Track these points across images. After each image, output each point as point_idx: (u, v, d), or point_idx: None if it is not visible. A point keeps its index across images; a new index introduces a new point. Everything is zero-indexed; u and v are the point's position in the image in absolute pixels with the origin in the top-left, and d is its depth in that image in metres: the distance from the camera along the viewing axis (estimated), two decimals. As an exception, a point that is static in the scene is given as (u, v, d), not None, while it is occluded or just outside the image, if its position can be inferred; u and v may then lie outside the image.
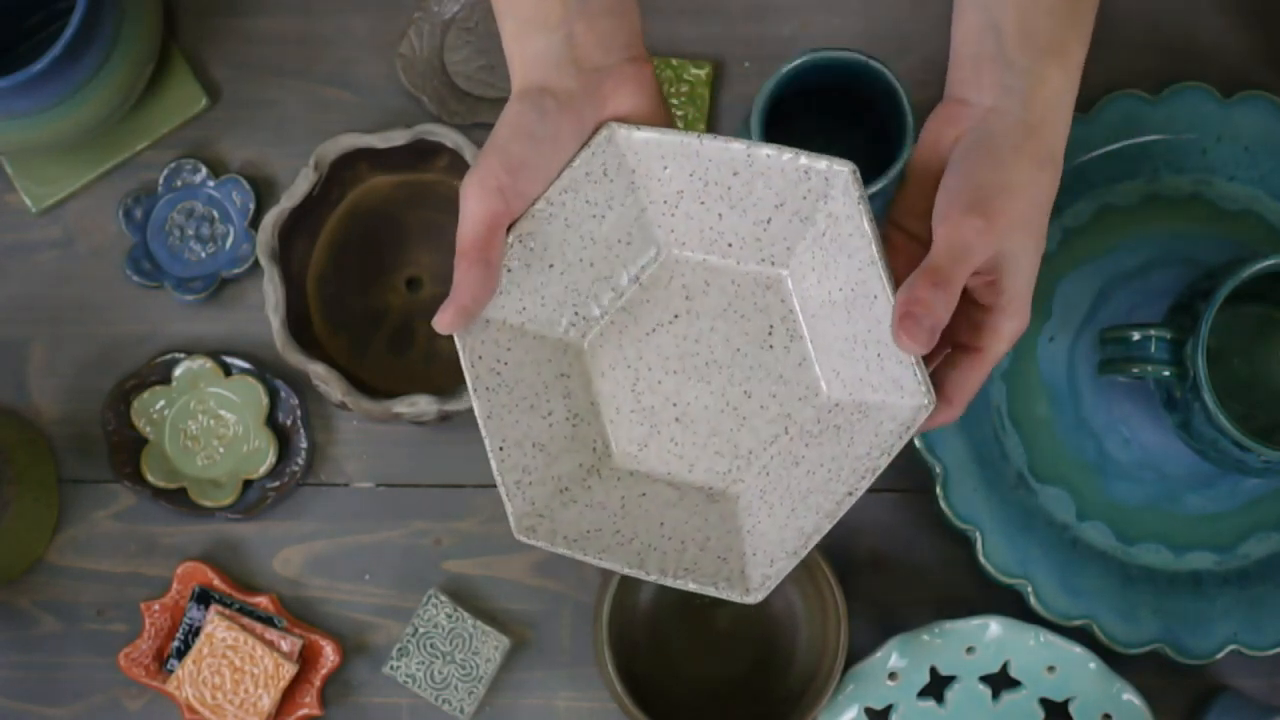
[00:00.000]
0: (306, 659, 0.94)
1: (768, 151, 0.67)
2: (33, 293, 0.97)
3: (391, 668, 0.93)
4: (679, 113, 0.97)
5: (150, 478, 0.95)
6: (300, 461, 0.95)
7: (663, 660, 0.94)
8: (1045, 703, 0.93)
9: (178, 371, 0.95)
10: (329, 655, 0.94)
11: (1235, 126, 0.94)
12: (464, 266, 0.67)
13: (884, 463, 0.66)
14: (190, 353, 0.95)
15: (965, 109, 0.70)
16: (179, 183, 0.97)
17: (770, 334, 0.71)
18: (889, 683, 0.91)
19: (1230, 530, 0.93)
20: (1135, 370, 0.85)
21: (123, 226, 0.96)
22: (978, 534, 0.91)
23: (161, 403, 0.95)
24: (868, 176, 0.84)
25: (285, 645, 0.93)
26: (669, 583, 0.68)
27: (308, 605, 0.96)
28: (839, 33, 0.99)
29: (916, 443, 0.91)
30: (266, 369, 0.96)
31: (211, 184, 0.97)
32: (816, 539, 0.66)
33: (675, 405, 0.72)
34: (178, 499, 0.95)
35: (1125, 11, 0.99)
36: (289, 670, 0.92)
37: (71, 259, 0.98)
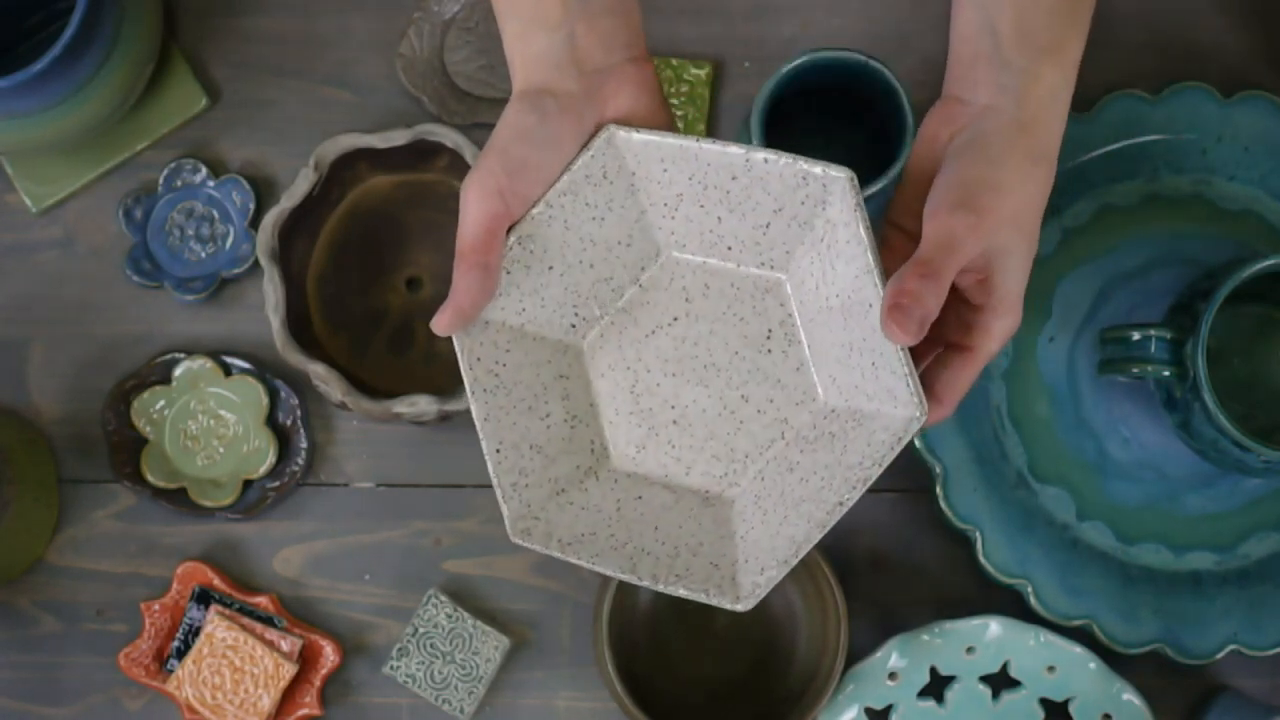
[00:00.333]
0: (306, 659, 0.94)
1: (766, 156, 0.67)
2: (33, 293, 0.97)
3: (391, 668, 0.93)
4: (679, 113, 0.97)
5: (150, 478, 0.95)
6: (300, 461, 0.95)
7: (663, 660, 0.94)
8: (1045, 703, 0.93)
9: (178, 371, 0.95)
10: (329, 655, 0.94)
11: (1235, 126, 0.94)
12: (463, 269, 0.67)
13: (875, 473, 0.66)
14: (190, 353, 0.95)
15: (961, 107, 0.70)
16: (179, 183, 0.97)
17: (769, 338, 0.71)
18: (889, 683, 0.91)
19: (1230, 530, 0.93)
20: (1135, 370, 0.85)
21: (123, 226, 0.96)
22: (978, 534, 0.91)
23: (161, 403, 0.95)
24: (867, 177, 0.84)
25: (285, 645, 0.93)
26: (660, 588, 0.68)
27: (308, 605, 0.96)
28: (839, 33, 0.99)
29: (916, 443, 0.91)
30: (266, 369, 0.96)
31: (211, 184, 0.97)
32: (807, 548, 0.66)
33: (673, 408, 0.72)
34: (178, 499, 0.95)
35: (1125, 11, 0.99)
36: (289, 670, 0.92)
37: (71, 259, 0.98)
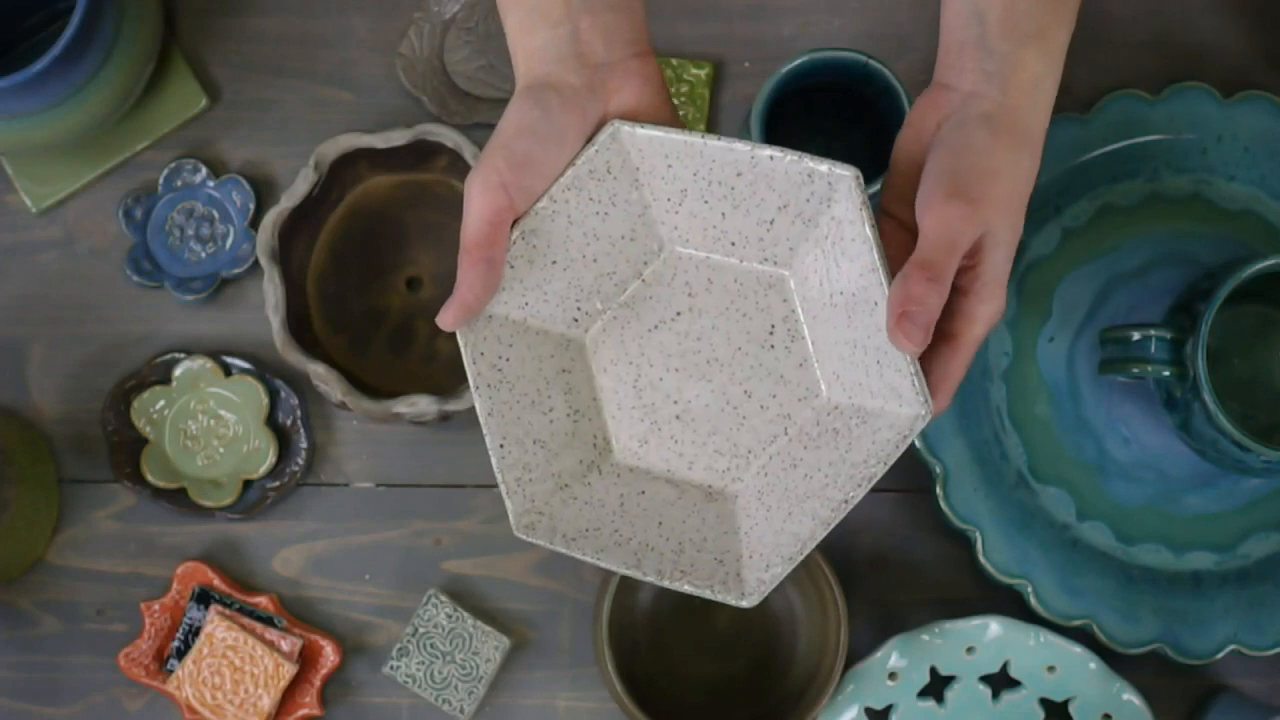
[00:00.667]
0: (306, 659, 0.94)
1: (771, 153, 0.67)
2: (33, 293, 0.97)
3: (391, 668, 0.93)
4: (679, 113, 0.97)
5: (150, 478, 0.95)
6: (300, 461, 0.95)
7: (663, 660, 0.94)
8: (1045, 703, 0.93)
9: (178, 371, 0.95)
10: (329, 655, 0.94)
11: (1235, 126, 0.94)
12: (468, 264, 0.67)
13: (880, 471, 0.66)
14: (190, 353, 0.95)
15: (947, 94, 0.70)
16: (179, 183, 0.97)
17: (772, 333, 0.71)
18: (889, 683, 0.91)
19: (1230, 530, 0.93)
20: (1135, 370, 0.85)
21: (123, 226, 0.96)
22: (978, 534, 0.91)
23: (161, 403, 0.95)
24: (867, 176, 0.84)
25: (285, 645, 0.93)
26: (665, 584, 0.68)
27: (308, 605, 0.96)
28: (839, 33, 0.99)
29: (917, 443, 0.91)
30: (266, 369, 0.96)
31: (211, 184, 0.97)
32: (812, 545, 0.66)
33: (676, 402, 0.72)
34: (178, 499, 0.95)
35: (1125, 11, 0.99)
36: (289, 670, 0.92)
37: (71, 259, 0.98)
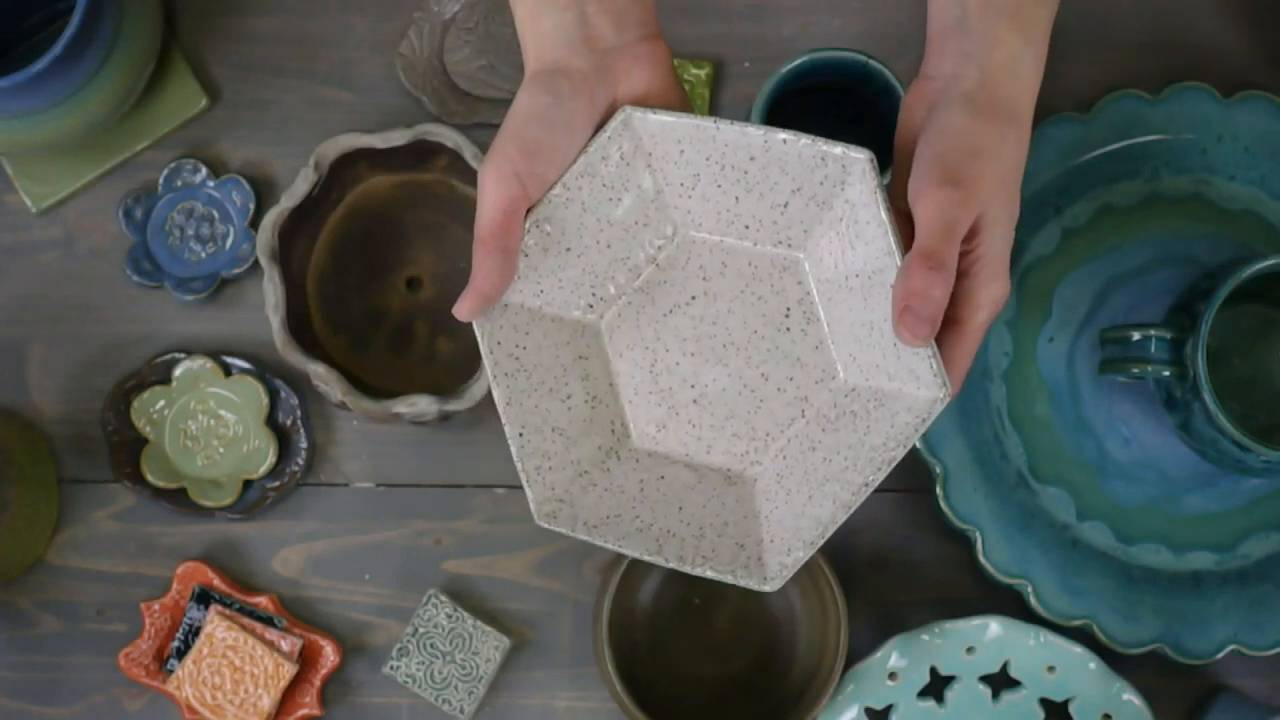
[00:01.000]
0: (306, 659, 0.94)
1: (785, 137, 0.67)
2: (33, 293, 0.97)
3: (391, 668, 0.93)
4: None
5: (150, 478, 0.95)
6: (300, 461, 0.95)
7: (663, 660, 0.94)
8: (1045, 703, 0.93)
9: (178, 371, 0.95)
10: (329, 655, 0.94)
11: (1235, 126, 0.94)
12: (483, 253, 0.67)
13: (900, 454, 0.66)
14: (190, 353, 0.95)
15: (931, 82, 0.70)
16: (179, 183, 0.97)
17: (787, 316, 0.71)
18: (889, 683, 0.91)
19: (1230, 530, 0.93)
20: (1135, 370, 0.85)
21: (123, 226, 0.96)
22: (978, 534, 0.91)
23: (161, 403, 0.95)
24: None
25: (285, 645, 0.93)
26: (687, 569, 0.68)
27: (308, 605, 0.96)
28: (839, 33, 0.99)
29: (917, 443, 0.91)
30: (266, 369, 0.96)
31: (211, 184, 0.97)
32: (833, 529, 0.66)
33: (693, 387, 0.72)
34: (178, 499, 0.95)
35: (1125, 11, 0.99)
36: (289, 670, 0.92)
37: (71, 259, 0.98)
